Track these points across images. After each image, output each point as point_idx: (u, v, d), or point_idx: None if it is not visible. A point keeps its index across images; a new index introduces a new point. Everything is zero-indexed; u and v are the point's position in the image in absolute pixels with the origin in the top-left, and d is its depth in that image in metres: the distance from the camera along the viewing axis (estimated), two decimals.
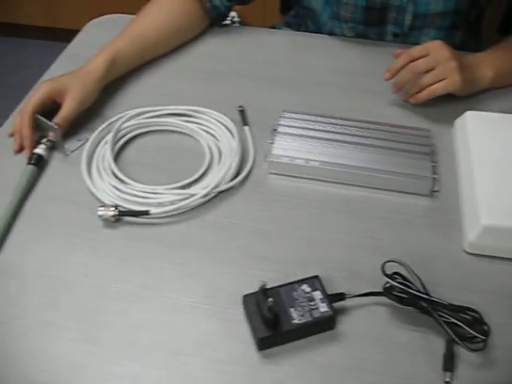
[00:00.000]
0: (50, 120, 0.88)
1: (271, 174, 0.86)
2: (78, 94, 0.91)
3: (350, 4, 1.06)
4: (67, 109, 0.90)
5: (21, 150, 0.89)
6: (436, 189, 0.83)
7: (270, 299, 0.62)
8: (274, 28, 1.27)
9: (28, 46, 2.77)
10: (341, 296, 0.69)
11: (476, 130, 0.87)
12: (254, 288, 0.68)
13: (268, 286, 0.67)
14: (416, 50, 0.92)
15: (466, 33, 1.13)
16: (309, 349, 0.67)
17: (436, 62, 0.90)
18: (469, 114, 0.89)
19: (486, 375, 0.65)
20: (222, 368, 0.65)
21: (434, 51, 0.91)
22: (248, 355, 0.66)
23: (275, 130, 0.88)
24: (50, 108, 0.91)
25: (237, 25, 1.15)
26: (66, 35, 1.21)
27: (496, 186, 0.78)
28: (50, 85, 0.91)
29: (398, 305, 0.68)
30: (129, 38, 1.01)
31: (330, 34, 1.13)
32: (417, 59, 0.91)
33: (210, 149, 0.88)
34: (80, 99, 0.91)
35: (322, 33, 1.15)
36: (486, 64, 0.97)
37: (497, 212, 0.75)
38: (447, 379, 0.64)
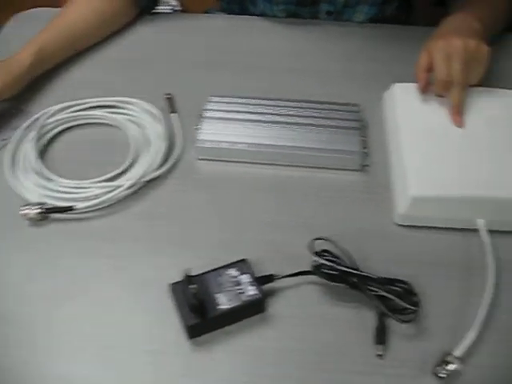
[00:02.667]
0: None
1: (200, 160, 0.84)
2: None
3: None
4: None
5: None
6: (366, 163, 0.83)
7: (192, 286, 0.61)
8: (206, 13, 1.25)
9: None
10: (269, 278, 0.68)
11: (404, 102, 0.86)
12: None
13: (195, 273, 0.66)
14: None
15: (398, 5, 1.12)
16: (240, 333, 0.66)
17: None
18: (397, 85, 0.89)
19: (419, 345, 0.65)
20: (154, 359, 0.64)
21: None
22: (180, 344, 0.65)
23: (201, 115, 0.87)
24: None
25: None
26: None
27: (423, 157, 0.78)
28: None
29: (329, 282, 0.67)
30: (55, 31, 0.98)
31: (262, 15, 1.12)
32: None
33: (135, 139, 0.86)
34: None
35: (255, 15, 1.13)
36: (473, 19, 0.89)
37: (425, 183, 0.75)
38: (379, 352, 0.64)
